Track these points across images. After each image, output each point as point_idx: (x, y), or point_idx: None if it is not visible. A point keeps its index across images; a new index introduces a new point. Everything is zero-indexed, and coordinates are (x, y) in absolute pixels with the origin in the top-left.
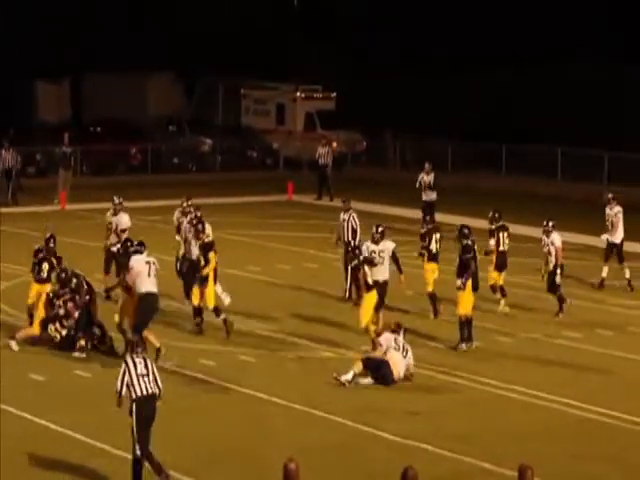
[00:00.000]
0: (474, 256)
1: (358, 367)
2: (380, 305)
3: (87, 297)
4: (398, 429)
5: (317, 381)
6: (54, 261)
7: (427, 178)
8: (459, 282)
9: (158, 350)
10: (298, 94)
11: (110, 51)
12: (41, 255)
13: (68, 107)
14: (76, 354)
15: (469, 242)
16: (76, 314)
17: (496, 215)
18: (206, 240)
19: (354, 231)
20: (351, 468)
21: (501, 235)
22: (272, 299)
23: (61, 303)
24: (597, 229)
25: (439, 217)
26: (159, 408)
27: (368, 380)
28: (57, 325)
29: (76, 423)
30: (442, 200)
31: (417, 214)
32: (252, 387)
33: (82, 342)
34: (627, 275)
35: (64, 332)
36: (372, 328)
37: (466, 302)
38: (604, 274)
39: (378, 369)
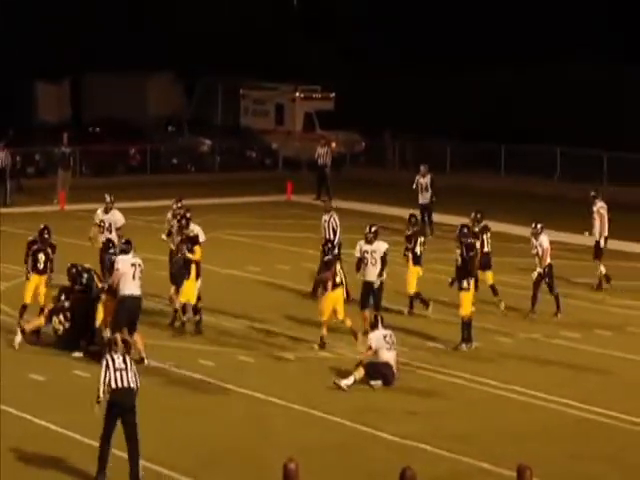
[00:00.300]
0: (475, 255)
1: (359, 373)
2: (377, 307)
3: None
4: (397, 429)
5: (316, 381)
6: (49, 251)
7: (423, 180)
8: (465, 283)
9: (142, 360)
10: (297, 94)
11: (110, 51)
12: (35, 247)
13: (68, 107)
14: (75, 354)
15: (471, 241)
16: (81, 309)
17: (478, 216)
18: (191, 234)
19: (334, 232)
20: (350, 468)
21: (485, 236)
22: (271, 299)
23: (67, 296)
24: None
25: (438, 217)
26: (139, 403)
27: (378, 382)
28: (61, 317)
29: (76, 423)
30: (441, 200)
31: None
32: (251, 387)
33: (82, 342)
34: (603, 271)
35: (67, 325)
36: (325, 331)
37: (469, 302)
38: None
39: (379, 372)
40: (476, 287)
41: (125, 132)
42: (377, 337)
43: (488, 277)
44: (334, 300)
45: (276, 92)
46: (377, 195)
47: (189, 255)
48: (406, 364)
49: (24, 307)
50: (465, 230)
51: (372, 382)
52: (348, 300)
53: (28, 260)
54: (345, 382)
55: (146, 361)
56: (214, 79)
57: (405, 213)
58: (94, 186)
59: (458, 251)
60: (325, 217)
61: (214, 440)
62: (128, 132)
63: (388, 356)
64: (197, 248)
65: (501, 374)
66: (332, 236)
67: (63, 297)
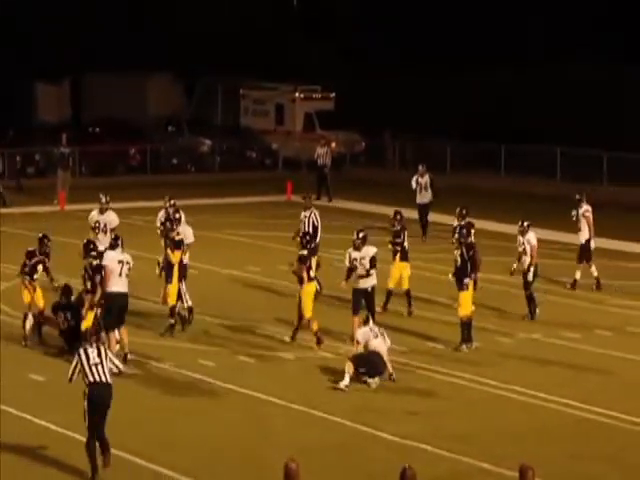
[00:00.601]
0: (476, 254)
1: (350, 368)
2: (372, 312)
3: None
4: (397, 429)
5: (316, 381)
6: (47, 261)
7: (422, 180)
8: (464, 283)
9: (125, 356)
10: (297, 94)
11: (110, 51)
12: (36, 259)
13: (68, 107)
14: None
15: (471, 241)
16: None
17: (463, 211)
18: (176, 238)
19: (315, 228)
20: (350, 468)
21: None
22: (270, 299)
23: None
24: (597, 229)
25: (438, 217)
26: (114, 392)
27: (376, 380)
28: (67, 314)
29: (76, 423)
30: (441, 200)
31: (415, 214)
32: (251, 387)
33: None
34: (577, 276)
35: (72, 322)
36: (315, 325)
37: (468, 302)
38: (595, 273)
39: (368, 361)
40: (475, 287)
41: (125, 132)
42: (363, 331)
43: None
44: (311, 293)
45: (276, 92)
46: (377, 195)
47: (171, 258)
48: (406, 364)
49: (32, 314)
50: (464, 230)
51: (369, 380)
52: (319, 293)
53: (25, 270)
54: (343, 383)
55: (129, 356)
56: (214, 79)
57: (404, 213)
58: (94, 186)
59: (457, 251)
60: (305, 213)
61: (214, 440)
62: (128, 132)
63: (375, 344)
64: (177, 252)
65: (501, 374)
66: (311, 232)
67: (65, 296)
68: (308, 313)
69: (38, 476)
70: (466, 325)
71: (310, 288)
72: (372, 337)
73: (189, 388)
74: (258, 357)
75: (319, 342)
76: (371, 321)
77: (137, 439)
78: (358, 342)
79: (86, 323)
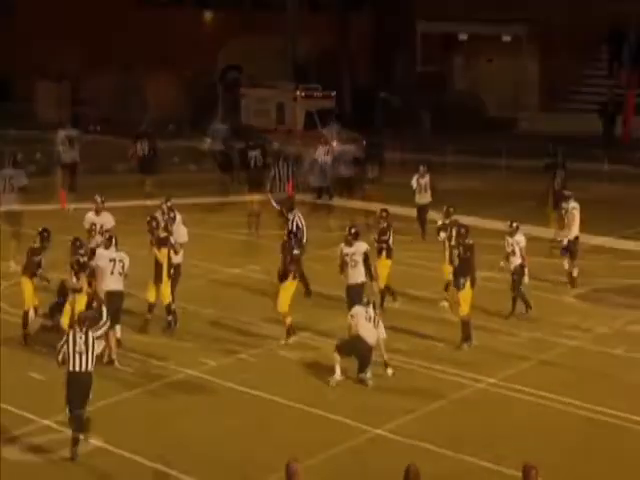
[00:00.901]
0: (473, 255)
1: (336, 359)
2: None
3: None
4: (397, 428)
5: (316, 380)
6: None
7: (422, 181)
8: (462, 282)
9: (110, 362)
10: (298, 93)
11: (110, 51)
12: (41, 256)
13: (68, 106)
14: None
15: (469, 241)
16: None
17: (450, 210)
18: (161, 235)
19: (299, 229)
20: (350, 467)
21: (454, 230)
22: (271, 298)
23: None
24: (597, 228)
25: (436, 217)
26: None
27: (369, 375)
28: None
29: None
30: (440, 200)
31: (415, 213)
32: (252, 386)
33: None
34: (574, 274)
35: None
36: (289, 319)
37: (467, 302)
38: (567, 270)
39: (353, 347)
40: (472, 286)
41: (125, 131)
42: (359, 308)
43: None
44: (289, 290)
45: (277, 91)
46: (377, 194)
47: (157, 256)
48: (406, 363)
49: (27, 313)
50: (462, 230)
51: (364, 376)
52: (308, 295)
53: (29, 267)
54: (335, 376)
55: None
56: (215, 79)
57: (404, 212)
58: (94, 185)
59: (456, 251)
60: (289, 216)
61: (214, 439)
62: (128, 131)
63: (362, 324)
64: (163, 250)
65: (502, 373)
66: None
67: (62, 295)
68: (283, 308)
69: (38, 476)
70: (466, 324)
71: (290, 286)
72: (364, 319)
73: (189, 387)
74: (259, 356)
75: (293, 333)
76: (372, 306)
77: (137, 438)
78: (352, 316)
79: (79, 307)
